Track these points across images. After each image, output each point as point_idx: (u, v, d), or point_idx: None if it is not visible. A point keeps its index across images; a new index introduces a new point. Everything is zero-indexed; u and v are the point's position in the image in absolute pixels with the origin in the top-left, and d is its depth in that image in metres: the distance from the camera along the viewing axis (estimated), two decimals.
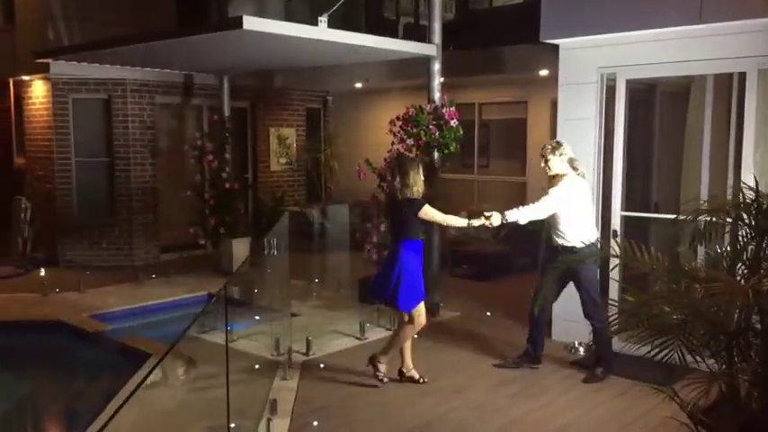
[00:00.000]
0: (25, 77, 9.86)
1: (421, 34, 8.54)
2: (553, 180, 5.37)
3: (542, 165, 5.41)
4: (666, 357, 2.68)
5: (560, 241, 5.32)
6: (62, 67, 9.06)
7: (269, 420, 4.33)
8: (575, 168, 5.36)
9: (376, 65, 9.93)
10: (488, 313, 7.31)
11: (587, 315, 5.29)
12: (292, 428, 4.51)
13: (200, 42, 6.54)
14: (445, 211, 5.26)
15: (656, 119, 7.30)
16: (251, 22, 5.31)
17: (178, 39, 6.19)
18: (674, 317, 2.91)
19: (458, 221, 5.28)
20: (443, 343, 6.27)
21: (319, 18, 5.88)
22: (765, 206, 2.86)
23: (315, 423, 4.57)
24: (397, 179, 5.04)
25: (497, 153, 11.09)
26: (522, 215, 5.19)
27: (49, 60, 8.67)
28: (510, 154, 10.88)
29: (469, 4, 12.30)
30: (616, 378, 5.30)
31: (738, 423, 2.95)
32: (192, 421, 4.52)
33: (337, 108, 12.52)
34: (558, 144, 5.37)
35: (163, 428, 4.59)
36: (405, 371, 5.32)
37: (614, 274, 3.44)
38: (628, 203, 6.16)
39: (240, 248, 9.13)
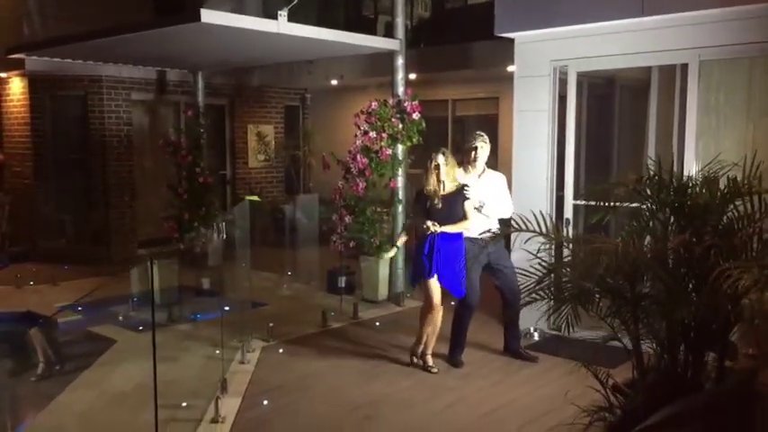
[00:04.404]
0: (2, 74, 9.99)
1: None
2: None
3: (473, 155, 5.41)
4: (562, 321, 2.84)
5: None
6: (38, 64, 9.18)
7: (217, 399, 4.47)
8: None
9: (350, 62, 10.10)
10: (452, 302, 7.45)
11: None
12: (243, 407, 4.66)
13: (166, 37, 6.69)
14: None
15: (616, 111, 7.48)
16: (208, 16, 5.46)
17: (142, 33, 6.33)
18: (585, 285, 3.08)
19: None
20: (403, 329, 6.43)
21: (279, 12, 6.03)
22: (666, 182, 3.03)
23: (265, 402, 4.73)
24: None
25: None
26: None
27: (24, 56, 8.79)
28: None
29: (447, 2, 12.48)
30: (563, 360, 5.45)
31: (644, 389, 3.11)
32: (146, 401, 4.65)
33: (315, 105, 12.66)
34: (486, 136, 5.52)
35: (118, 407, 4.73)
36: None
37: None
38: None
39: (215, 242, 9.25)
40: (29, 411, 4.71)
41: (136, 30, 6.34)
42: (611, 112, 7.50)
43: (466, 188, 5.15)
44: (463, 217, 5.12)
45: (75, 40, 7.15)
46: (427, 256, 5.14)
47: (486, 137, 5.53)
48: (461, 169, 5.44)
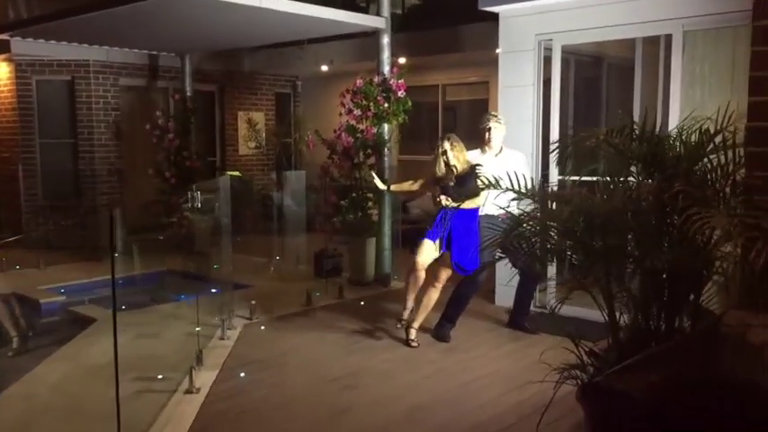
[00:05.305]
0: None
1: (393, 21, 8.53)
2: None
3: (487, 136, 5.48)
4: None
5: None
6: (25, 48, 9.11)
7: (191, 369, 4.41)
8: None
9: (340, 47, 10.03)
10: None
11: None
12: (219, 378, 4.61)
13: (147, 11, 6.62)
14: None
15: (603, 89, 7.43)
16: None
17: (122, 7, 6.27)
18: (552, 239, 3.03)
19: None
20: (387, 308, 6.38)
21: None
22: (638, 133, 2.97)
23: (242, 374, 4.67)
24: None
25: (462, 134, 11.08)
26: None
27: (8, 38, 8.72)
28: (475, 134, 10.90)
29: None
30: (547, 335, 5.39)
31: (617, 346, 3.06)
32: (120, 373, 4.61)
33: (306, 93, 12.59)
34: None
35: (92, 379, 4.67)
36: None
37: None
38: None
39: (203, 227, 9.20)
40: (4, 383, 4.65)
41: (114, 5, 6.27)
42: (598, 91, 7.44)
43: (478, 167, 5.19)
44: (475, 195, 5.15)
45: (55, 18, 7.08)
46: (438, 225, 5.21)
47: (499, 117, 5.56)
48: (479, 150, 5.54)
